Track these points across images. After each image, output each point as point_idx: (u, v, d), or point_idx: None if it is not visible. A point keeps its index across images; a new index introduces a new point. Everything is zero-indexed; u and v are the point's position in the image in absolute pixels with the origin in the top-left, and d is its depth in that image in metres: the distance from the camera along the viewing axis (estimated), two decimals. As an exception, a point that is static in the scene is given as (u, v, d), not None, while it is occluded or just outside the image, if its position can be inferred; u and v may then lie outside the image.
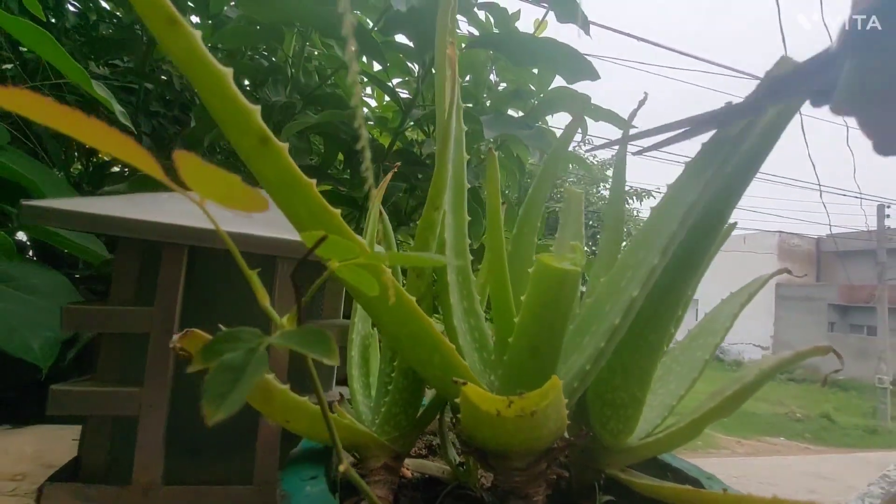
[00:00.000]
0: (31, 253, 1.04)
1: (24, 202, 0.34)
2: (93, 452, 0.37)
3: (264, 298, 0.16)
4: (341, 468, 0.16)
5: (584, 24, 0.88)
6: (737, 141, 0.30)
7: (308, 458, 0.29)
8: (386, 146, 0.98)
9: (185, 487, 0.37)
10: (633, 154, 0.35)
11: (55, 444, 0.72)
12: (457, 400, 0.23)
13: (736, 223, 0.38)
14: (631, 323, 0.29)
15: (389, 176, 0.35)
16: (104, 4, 1.09)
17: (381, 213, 0.33)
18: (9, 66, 1.06)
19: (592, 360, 0.27)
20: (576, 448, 0.33)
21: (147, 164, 0.12)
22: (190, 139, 1.00)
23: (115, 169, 1.31)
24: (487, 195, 0.32)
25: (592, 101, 0.96)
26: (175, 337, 0.25)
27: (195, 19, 0.97)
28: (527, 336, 0.26)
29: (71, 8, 1.08)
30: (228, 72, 0.19)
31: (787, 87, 0.25)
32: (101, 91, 0.48)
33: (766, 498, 0.26)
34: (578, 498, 0.31)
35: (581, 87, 0.95)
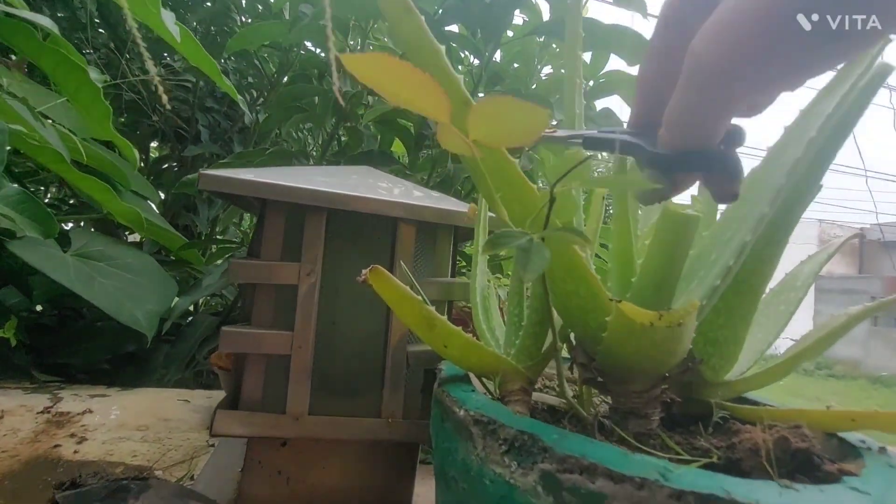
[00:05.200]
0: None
1: (203, 172, 0.40)
2: (251, 388, 0.43)
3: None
4: (560, 346, 0.21)
5: (641, 7, 0.91)
6: (834, 106, 0.33)
7: (457, 381, 0.35)
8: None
9: (327, 417, 0.43)
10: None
11: (164, 402, 0.81)
12: (603, 320, 0.27)
13: (823, 185, 0.41)
14: (735, 268, 0.33)
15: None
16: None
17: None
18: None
19: (707, 297, 0.32)
20: (680, 383, 0.38)
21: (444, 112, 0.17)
22: (263, 128, 1.08)
23: (167, 165, 1.44)
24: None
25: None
26: (364, 272, 0.30)
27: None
28: (651, 273, 0.31)
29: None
30: (442, 48, 0.24)
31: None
32: (227, 82, 0.54)
33: (868, 411, 0.29)
34: (685, 424, 0.35)
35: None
